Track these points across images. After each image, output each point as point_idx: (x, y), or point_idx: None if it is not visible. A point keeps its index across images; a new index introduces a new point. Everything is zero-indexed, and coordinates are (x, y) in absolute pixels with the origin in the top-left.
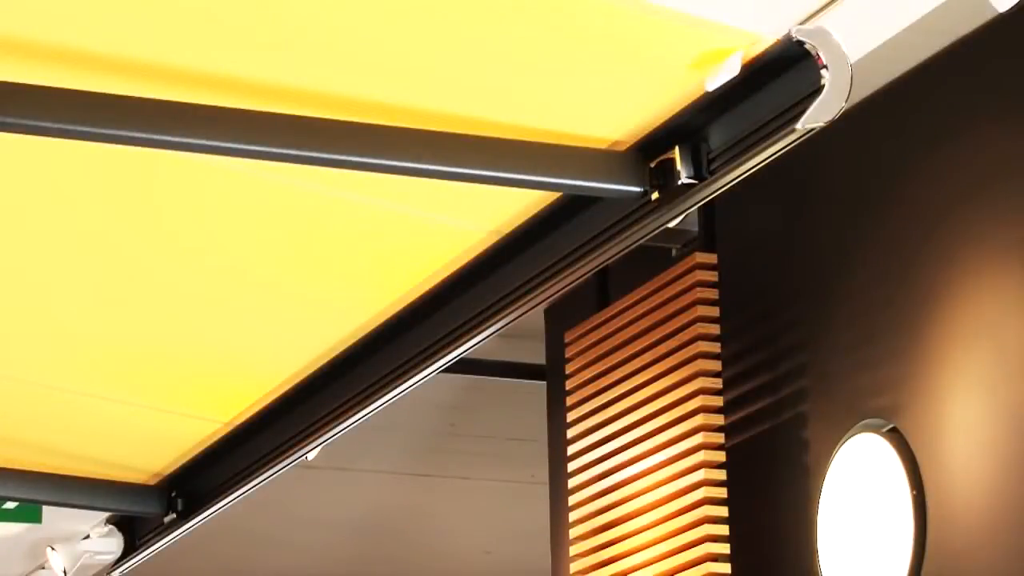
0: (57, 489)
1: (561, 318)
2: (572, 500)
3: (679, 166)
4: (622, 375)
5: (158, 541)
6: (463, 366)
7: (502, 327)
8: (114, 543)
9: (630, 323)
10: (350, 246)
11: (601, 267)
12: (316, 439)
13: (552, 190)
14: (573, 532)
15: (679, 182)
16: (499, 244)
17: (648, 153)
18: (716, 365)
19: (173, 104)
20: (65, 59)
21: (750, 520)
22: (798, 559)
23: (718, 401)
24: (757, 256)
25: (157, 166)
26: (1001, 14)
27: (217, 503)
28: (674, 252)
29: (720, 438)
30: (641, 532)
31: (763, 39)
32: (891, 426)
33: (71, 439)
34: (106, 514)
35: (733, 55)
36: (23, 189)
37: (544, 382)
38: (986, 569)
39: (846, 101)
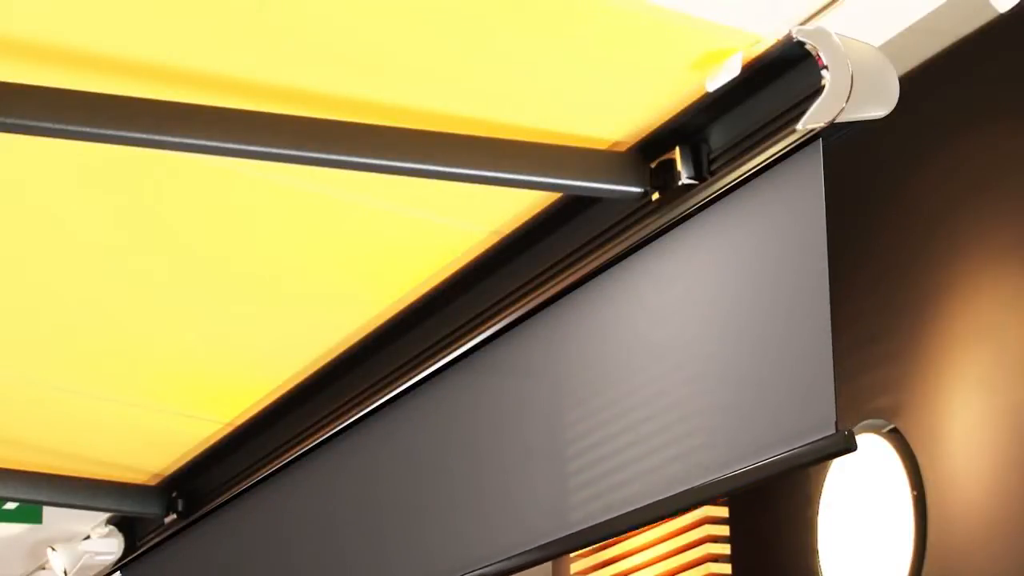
0: (57, 489)
1: None
2: None
3: (680, 166)
4: None
5: (158, 541)
6: None
7: (502, 327)
8: (115, 543)
9: None
10: (350, 247)
11: (602, 268)
12: (316, 439)
13: (552, 190)
14: None
15: (680, 183)
16: (499, 244)
17: (648, 153)
18: None
19: (173, 104)
20: (65, 59)
21: (750, 521)
22: (798, 559)
23: None
24: None
25: (157, 166)
26: (1001, 14)
27: (217, 503)
28: None
29: None
30: (642, 532)
31: (764, 40)
32: (891, 426)
33: (71, 439)
34: (107, 514)
35: (734, 56)
36: (23, 189)
37: None
38: (986, 569)
39: (847, 102)
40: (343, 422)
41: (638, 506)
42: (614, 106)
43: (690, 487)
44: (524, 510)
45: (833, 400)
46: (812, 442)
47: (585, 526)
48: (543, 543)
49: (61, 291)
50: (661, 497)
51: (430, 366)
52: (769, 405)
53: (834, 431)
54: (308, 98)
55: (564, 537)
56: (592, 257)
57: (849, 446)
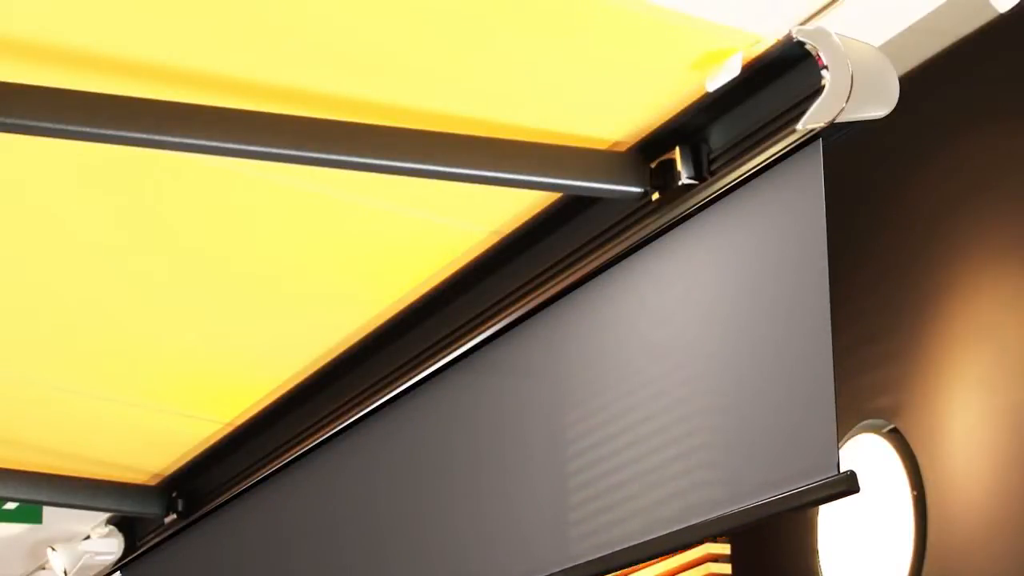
0: (57, 489)
1: None
2: None
3: (679, 166)
4: None
5: (158, 541)
6: None
7: (502, 327)
8: (115, 543)
9: None
10: (350, 247)
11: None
12: (316, 439)
13: (552, 190)
14: None
15: (679, 183)
16: (499, 244)
17: (649, 153)
18: None
19: (173, 104)
20: (65, 59)
21: None
22: (798, 559)
23: None
24: None
25: (157, 166)
26: (1001, 14)
27: (217, 503)
28: None
29: None
30: None
31: (764, 40)
32: (891, 426)
33: (71, 439)
34: (106, 514)
35: (734, 56)
36: (23, 189)
37: None
38: (986, 569)
39: (847, 101)
40: (343, 422)
41: (639, 541)
42: (614, 106)
43: (688, 524)
44: (523, 515)
45: (834, 424)
46: (814, 484)
47: (587, 559)
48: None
49: (61, 291)
50: (661, 533)
51: (430, 366)
52: (769, 406)
53: (836, 472)
54: (308, 98)
55: (567, 569)
56: (592, 257)
57: (851, 488)
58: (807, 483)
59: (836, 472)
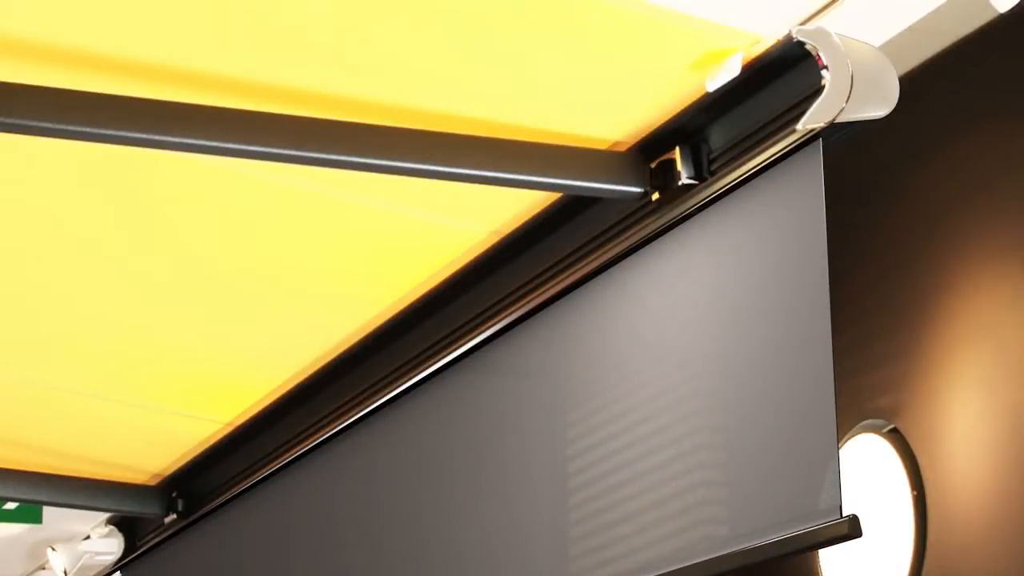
0: (57, 489)
1: None
2: None
3: (680, 167)
4: None
5: (158, 541)
6: None
7: (502, 327)
8: (115, 543)
9: None
10: (350, 247)
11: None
12: (316, 439)
13: (552, 191)
14: None
15: (680, 183)
16: (499, 244)
17: (649, 153)
18: None
19: (173, 104)
20: (65, 59)
21: None
22: (799, 559)
23: None
24: None
25: (157, 166)
26: (1001, 14)
27: (217, 503)
28: None
29: None
30: None
31: (764, 40)
32: (891, 426)
33: (71, 439)
34: (106, 514)
35: (734, 56)
36: (23, 189)
37: None
38: (986, 569)
39: (847, 101)
40: (343, 422)
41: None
42: (614, 106)
43: (691, 563)
44: (523, 516)
45: (834, 425)
46: (817, 527)
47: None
48: None
49: (61, 291)
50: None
51: (430, 366)
52: (769, 406)
53: (839, 512)
54: (308, 98)
55: None
56: (592, 257)
57: (853, 532)
58: (810, 525)
59: (838, 484)
